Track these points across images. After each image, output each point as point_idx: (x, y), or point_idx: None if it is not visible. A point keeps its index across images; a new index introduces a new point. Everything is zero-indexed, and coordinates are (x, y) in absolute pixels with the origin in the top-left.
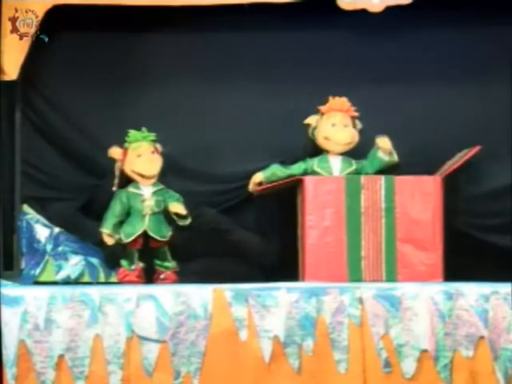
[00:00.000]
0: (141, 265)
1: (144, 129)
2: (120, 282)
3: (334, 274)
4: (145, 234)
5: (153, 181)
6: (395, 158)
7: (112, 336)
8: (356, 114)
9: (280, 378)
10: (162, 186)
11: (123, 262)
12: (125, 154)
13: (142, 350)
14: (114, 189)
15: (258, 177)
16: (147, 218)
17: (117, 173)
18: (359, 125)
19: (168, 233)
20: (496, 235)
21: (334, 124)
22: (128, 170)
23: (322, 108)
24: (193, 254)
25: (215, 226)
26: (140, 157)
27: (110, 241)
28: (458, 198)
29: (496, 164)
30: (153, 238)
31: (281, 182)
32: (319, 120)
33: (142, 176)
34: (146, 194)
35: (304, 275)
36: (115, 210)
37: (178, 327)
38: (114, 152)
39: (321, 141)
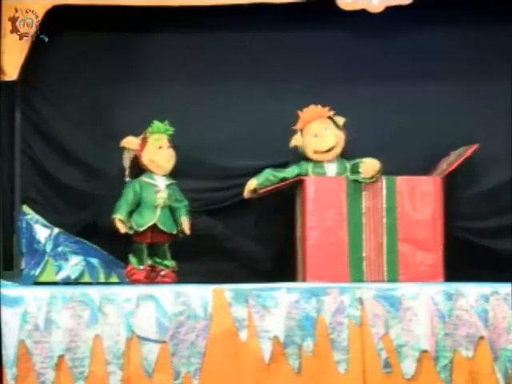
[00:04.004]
0: (149, 262)
1: (166, 122)
2: (126, 279)
3: (336, 274)
4: (151, 229)
5: (166, 172)
6: (374, 179)
7: (112, 336)
8: (331, 113)
9: (280, 379)
10: (173, 181)
11: (132, 259)
12: (144, 143)
13: (141, 351)
14: (127, 179)
15: (252, 184)
16: (158, 210)
17: (127, 163)
18: (341, 120)
19: (175, 228)
20: (494, 239)
21: (316, 135)
22: (146, 160)
23: (297, 126)
24: (192, 255)
25: (210, 234)
26: (161, 149)
27: (122, 228)
28: (457, 198)
29: (496, 164)
30: (159, 232)
31: (277, 185)
32: (302, 137)
33: (161, 168)
34: (160, 185)
35: (305, 276)
36: (128, 198)
37: (177, 327)
38: (130, 142)
39: (311, 156)
